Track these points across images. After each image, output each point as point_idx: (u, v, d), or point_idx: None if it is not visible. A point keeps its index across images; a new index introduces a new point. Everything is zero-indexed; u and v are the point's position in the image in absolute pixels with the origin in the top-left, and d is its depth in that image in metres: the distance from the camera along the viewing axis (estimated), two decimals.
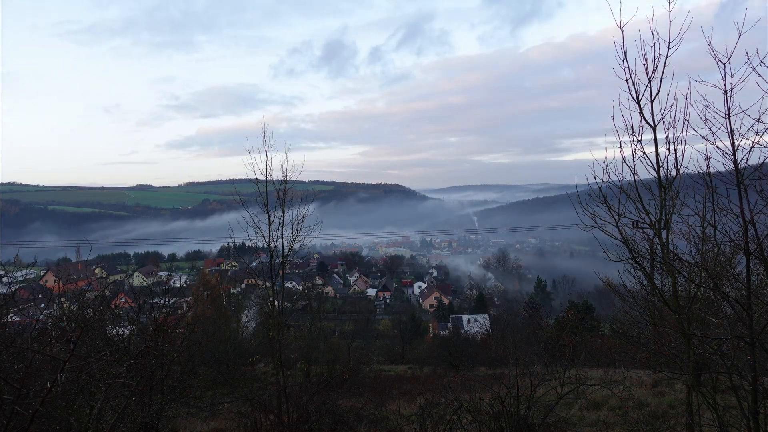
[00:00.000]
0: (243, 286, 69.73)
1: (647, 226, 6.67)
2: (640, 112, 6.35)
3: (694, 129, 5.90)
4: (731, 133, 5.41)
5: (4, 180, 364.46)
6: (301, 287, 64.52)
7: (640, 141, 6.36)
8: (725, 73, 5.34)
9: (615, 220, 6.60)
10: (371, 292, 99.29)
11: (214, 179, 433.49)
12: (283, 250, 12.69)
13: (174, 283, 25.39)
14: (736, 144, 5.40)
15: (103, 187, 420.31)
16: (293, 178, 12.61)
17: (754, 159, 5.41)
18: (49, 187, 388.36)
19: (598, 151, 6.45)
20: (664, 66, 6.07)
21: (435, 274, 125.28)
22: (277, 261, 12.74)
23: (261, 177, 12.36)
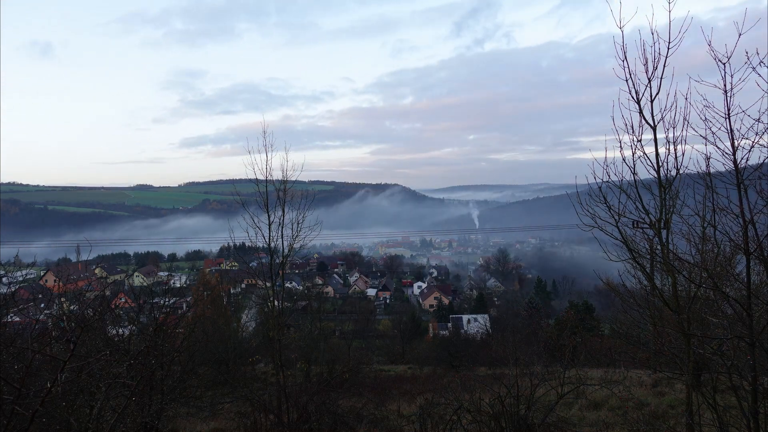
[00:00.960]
0: (243, 286, 69.74)
1: (647, 226, 6.67)
2: (640, 112, 6.35)
3: (694, 129, 5.90)
4: (731, 133, 5.41)
5: (4, 180, 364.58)
6: (301, 287, 64.53)
7: (640, 141, 6.37)
8: (725, 73, 5.34)
9: (615, 220, 6.60)
10: (371, 292, 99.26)
11: (215, 179, 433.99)
12: (283, 250, 12.69)
13: (174, 283, 25.39)
14: (736, 144, 5.40)
15: (103, 187, 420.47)
16: (293, 178, 12.62)
17: (754, 159, 5.42)
18: (49, 187, 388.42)
19: (598, 151, 6.46)
20: (664, 66, 6.07)
21: (435, 274, 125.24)
22: (277, 261, 12.74)
23: (261, 177, 12.36)
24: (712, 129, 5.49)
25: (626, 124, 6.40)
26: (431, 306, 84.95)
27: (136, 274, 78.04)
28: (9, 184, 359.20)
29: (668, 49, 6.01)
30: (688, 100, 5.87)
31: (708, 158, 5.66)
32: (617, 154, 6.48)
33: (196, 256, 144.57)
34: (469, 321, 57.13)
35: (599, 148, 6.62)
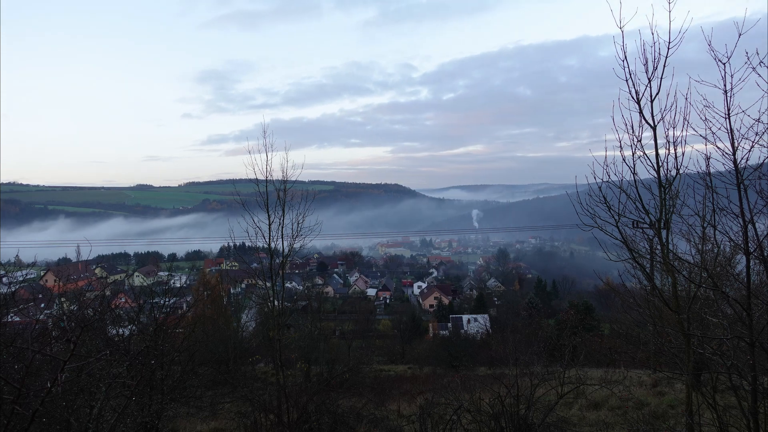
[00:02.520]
0: (243, 286, 69.71)
1: (647, 226, 6.67)
2: (640, 112, 6.35)
3: (694, 129, 5.90)
4: (731, 133, 5.41)
5: (4, 180, 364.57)
6: (301, 287, 64.52)
7: (640, 141, 6.37)
8: (725, 73, 5.34)
9: (615, 220, 6.60)
10: (371, 292, 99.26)
11: (215, 179, 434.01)
12: (283, 250, 12.68)
13: (174, 283, 25.38)
14: (736, 144, 5.40)
15: (103, 188, 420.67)
16: (293, 178, 12.61)
17: (754, 159, 5.42)
18: (49, 187, 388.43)
19: (598, 150, 6.46)
20: (664, 66, 6.07)
21: (435, 274, 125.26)
22: (277, 261, 12.73)
23: (261, 177, 12.36)
24: (712, 129, 5.49)
25: (626, 124, 6.40)
26: (431, 306, 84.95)
27: (136, 274, 78.01)
28: (9, 184, 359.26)
29: (668, 49, 6.01)
30: (688, 100, 5.87)
31: (708, 158, 5.66)
32: (617, 153, 6.49)
33: (196, 256, 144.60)
34: (469, 321, 57.13)
35: (599, 148, 6.62)
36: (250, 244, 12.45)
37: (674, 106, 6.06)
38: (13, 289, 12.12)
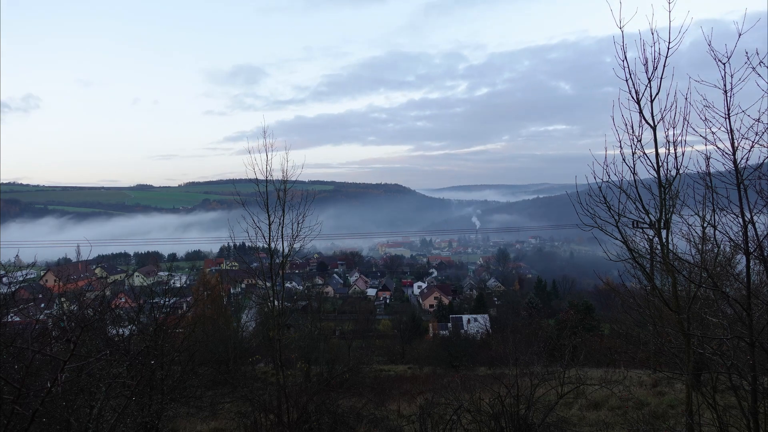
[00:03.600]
0: (243, 286, 69.71)
1: (647, 226, 6.67)
2: (640, 111, 6.35)
3: (694, 129, 5.90)
4: (731, 133, 5.41)
5: (4, 180, 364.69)
6: (301, 287, 64.52)
7: (639, 141, 6.36)
8: (725, 73, 5.34)
9: (615, 220, 6.60)
10: (371, 292, 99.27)
11: (215, 179, 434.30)
12: (283, 250, 12.68)
13: (174, 283, 25.39)
14: (736, 144, 5.40)
15: (103, 188, 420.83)
16: (293, 178, 12.60)
17: (754, 159, 5.41)
18: (49, 187, 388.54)
19: (598, 150, 6.46)
20: (664, 66, 6.07)
21: (435, 274, 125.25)
22: (277, 261, 12.73)
23: (261, 177, 12.36)
24: (712, 129, 5.49)
25: (626, 124, 6.40)
26: (431, 306, 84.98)
27: (136, 274, 78.06)
28: (9, 184, 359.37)
29: (668, 49, 6.01)
30: (688, 100, 5.87)
31: (708, 158, 5.66)
32: (617, 153, 6.49)
33: (196, 256, 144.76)
34: (469, 321, 57.16)
35: (600, 148, 6.62)
36: (250, 244, 12.45)
37: (674, 106, 6.06)
38: (13, 289, 12.11)
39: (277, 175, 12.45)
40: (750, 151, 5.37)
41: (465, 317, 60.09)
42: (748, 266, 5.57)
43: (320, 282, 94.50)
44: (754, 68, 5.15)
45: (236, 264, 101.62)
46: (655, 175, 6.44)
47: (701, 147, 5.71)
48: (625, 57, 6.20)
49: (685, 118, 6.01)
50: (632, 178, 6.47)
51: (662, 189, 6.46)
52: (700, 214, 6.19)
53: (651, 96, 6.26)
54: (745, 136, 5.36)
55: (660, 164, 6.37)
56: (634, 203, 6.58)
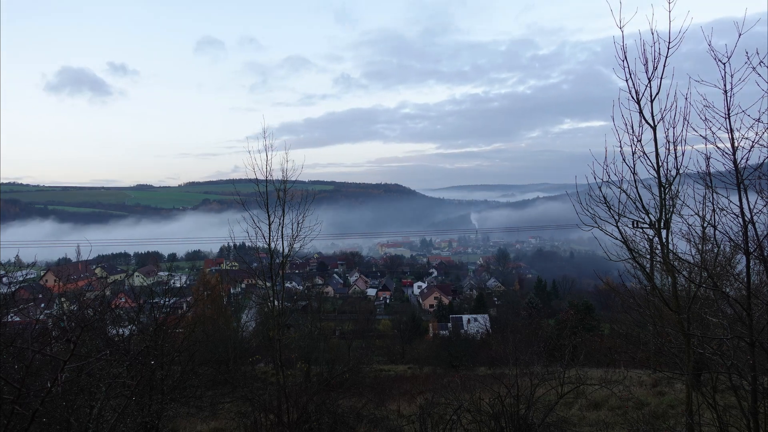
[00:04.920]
0: (243, 286, 69.72)
1: (647, 226, 6.67)
2: (640, 111, 6.35)
3: (694, 129, 5.90)
4: (731, 133, 5.41)
5: (4, 180, 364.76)
6: (301, 287, 64.51)
7: (639, 141, 6.36)
8: (725, 73, 5.34)
9: (615, 220, 6.60)
10: (371, 292, 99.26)
11: (215, 179, 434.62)
12: (283, 250, 12.68)
13: (174, 283, 25.39)
14: (736, 144, 5.40)
15: (103, 188, 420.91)
16: (293, 178, 12.60)
17: (754, 159, 5.42)
18: (49, 187, 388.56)
19: (598, 150, 6.46)
20: (664, 66, 6.07)
21: (435, 274, 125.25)
22: (277, 261, 12.73)
23: (261, 177, 12.35)
24: (712, 129, 5.49)
25: (626, 124, 6.40)
26: (431, 306, 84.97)
27: (136, 274, 78.07)
28: (9, 184, 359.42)
29: (668, 49, 6.01)
30: (688, 100, 5.87)
31: (708, 158, 5.65)
32: (617, 153, 6.48)
33: (196, 256, 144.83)
34: (469, 321, 57.17)
35: (600, 147, 6.62)
36: (250, 244, 12.45)
37: (674, 106, 6.06)
38: (13, 289, 12.11)
39: (277, 175, 12.45)
40: (750, 151, 5.37)
41: (465, 317, 60.10)
42: (748, 266, 5.57)
43: (320, 282, 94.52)
44: (754, 68, 5.15)
45: (236, 264, 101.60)
46: (655, 175, 6.44)
47: (701, 147, 5.71)
48: (625, 57, 6.21)
49: (685, 118, 6.01)
50: (632, 178, 6.47)
51: (662, 189, 6.46)
52: (700, 214, 6.19)
53: (651, 96, 6.26)
54: (745, 136, 5.36)
55: (660, 164, 6.37)
56: (634, 203, 6.58)
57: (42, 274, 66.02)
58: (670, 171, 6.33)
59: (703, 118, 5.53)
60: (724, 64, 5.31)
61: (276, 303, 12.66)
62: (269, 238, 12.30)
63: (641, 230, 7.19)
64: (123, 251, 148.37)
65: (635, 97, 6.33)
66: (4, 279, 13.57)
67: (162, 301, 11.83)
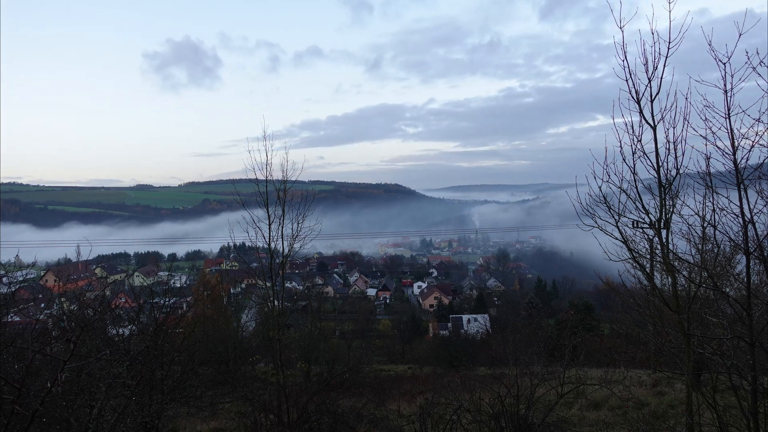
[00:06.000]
0: (243, 286, 69.72)
1: (647, 226, 6.66)
2: (640, 111, 6.34)
3: (694, 129, 5.89)
4: (731, 133, 5.41)
5: (4, 180, 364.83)
6: (301, 287, 64.51)
7: (640, 141, 6.36)
8: (725, 73, 5.34)
9: (615, 220, 6.60)
10: (371, 292, 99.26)
11: (214, 179, 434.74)
12: (283, 250, 12.68)
13: (174, 283, 25.38)
14: (736, 144, 5.40)
15: (103, 188, 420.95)
16: (293, 178, 12.60)
17: (754, 159, 5.41)
18: (49, 187, 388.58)
19: (598, 150, 6.46)
20: (664, 66, 6.07)
21: (435, 274, 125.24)
22: (277, 261, 12.73)
23: (261, 177, 12.35)
24: (712, 129, 5.49)
25: (626, 124, 6.39)
26: (431, 306, 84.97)
27: (136, 274, 78.08)
28: (9, 184, 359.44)
29: (668, 49, 6.01)
30: (689, 100, 5.87)
31: (708, 158, 5.66)
32: (617, 153, 6.48)
33: (196, 256, 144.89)
34: (469, 321, 57.17)
35: (600, 147, 6.62)
36: (250, 244, 12.45)
37: (674, 105, 6.05)
38: (13, 289, 12.12)
39: (276, 175, 12.46)
40: (750, 151, 5.37)
41: (465, 317, 60.10)
42: (748, 266, 5.57)
43: (320, 282, 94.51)
44: (754, 68, 5.15)
45: (236, 264, 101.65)
46: (655, 175, 6.44)
47: (701, 147, 5.71)
48: (625, 57, 6.21)
49: (685, 118, 6.01)
50: (632, 178, 6.47)
51: (662, 189, 6.46)
52: (700, 214, 6.19)
53: (651, 96, 6.26)
54: (745, 136, 5.36)
55: (660, 164, 6.37)
56: (634, 203, 6.58)
57: (42, 274, 66.04)
58: (670, 171, 6.33)
59: (703, 118, 5.53)
60: (724, 64, 5.31)
61: (276, 303, 12.66)
62: (269, 238, 12.30)
63: (641, 230, 7.19)
64: (123, 251, 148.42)
65: (635, 97, 6.33)
66: (4, 279, 13.57)
67: (162, 301, 11.83)
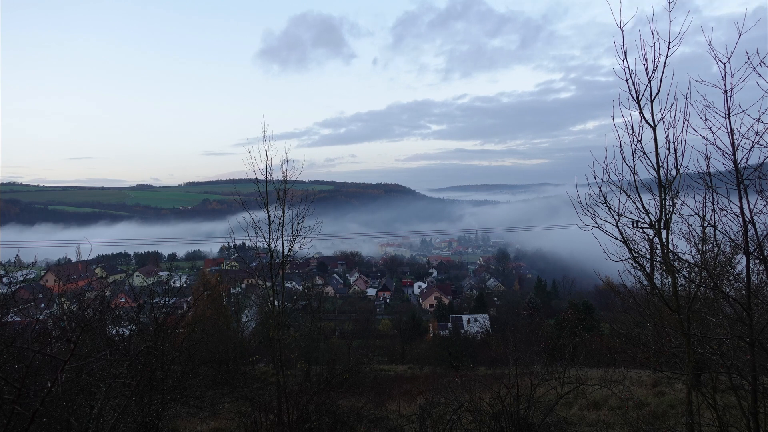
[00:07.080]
0: (243, 286, 69.75)
1: (647, 226, 6.66)
2: (640, 111, 6.35)
3: (694, 129, 5.89)
4: (731, 132, 5.41)
5: (4, 180, 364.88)
6: (301, 287, 64.50)
7: (640, 141, 6.36)
8: (725, 72, 5.34)
9: (615, 220, 6.60)
10: (371, 292, 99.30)
11: (214, 179, 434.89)
12: (283, 250, 12.68)
13: (174, 283, 25.39)
14: (736, 144, 5.40)
15: (103, 188, 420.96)
16: (293, 178, 12.60)
17: (754, 159, 5.42)
18: (49, 187, 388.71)
19: (598, 150, 6.46)
20: (664, 66, 6.07)
21: (435, 274, 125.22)
22: (277, 261, 12.74)
23: (261, 177, 12.36)
24: (712, 129, 5.49)
25: (626, 124, 6.40)
26: (431, 306, 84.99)
27: (136, 274, 78.13)
28: (9, 184, 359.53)
29: (668, 49, 6.01)
30: (688, 100, 5.87)
31: (708, 158, 5.66)
32: (617, 153, 6.48)
33: (196, 256, 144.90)
34: (469, 321, 57.19)
35: (600, 147, 6.62)
36: (250, 244, 12.45)
37: (674, 105, 6.05)
38: (13, 289, 12.11)
39: (277, 175, 12.46)
40: (750, 151, 5.38)
41: (465, 317, 60.12)
42: (748, 266, 5.58)
43: (320, 282, 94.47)
44: (754, 68, 5.15)
45: (236, 264, 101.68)
46: (655, 175, 6.44)
47: (701, 147, 5.71)
48: (625, 57, 6.21)
49: (685, 118, 6.01)
50: (632, 178, 6.47)
51: (662, 189, 6.46)
52: (700, 214, 6.19)
53: (651, 96, 6.26)
54: (745, 136, 5.36)
55: (660, 164, 6.37)
56: (634, 203, 6.58)
57: (42, 274, 66.06)
58: (670, 171, 6.33)
59: (703, 118, 5.53)
60: (724, 64, 5.31)
61: (276, 303, 12.66)
62: (269, 238, 12.31)
63: (641, 230, 7.19)
64: (123, 251, 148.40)
65: (635, 97, 6.33)
66: (4, 279, 13.56)
67: (162, 301, 11.82)
